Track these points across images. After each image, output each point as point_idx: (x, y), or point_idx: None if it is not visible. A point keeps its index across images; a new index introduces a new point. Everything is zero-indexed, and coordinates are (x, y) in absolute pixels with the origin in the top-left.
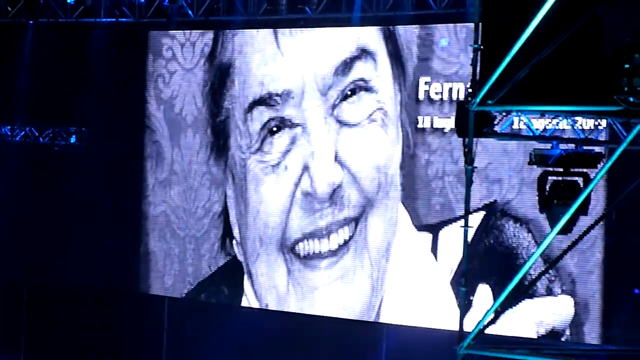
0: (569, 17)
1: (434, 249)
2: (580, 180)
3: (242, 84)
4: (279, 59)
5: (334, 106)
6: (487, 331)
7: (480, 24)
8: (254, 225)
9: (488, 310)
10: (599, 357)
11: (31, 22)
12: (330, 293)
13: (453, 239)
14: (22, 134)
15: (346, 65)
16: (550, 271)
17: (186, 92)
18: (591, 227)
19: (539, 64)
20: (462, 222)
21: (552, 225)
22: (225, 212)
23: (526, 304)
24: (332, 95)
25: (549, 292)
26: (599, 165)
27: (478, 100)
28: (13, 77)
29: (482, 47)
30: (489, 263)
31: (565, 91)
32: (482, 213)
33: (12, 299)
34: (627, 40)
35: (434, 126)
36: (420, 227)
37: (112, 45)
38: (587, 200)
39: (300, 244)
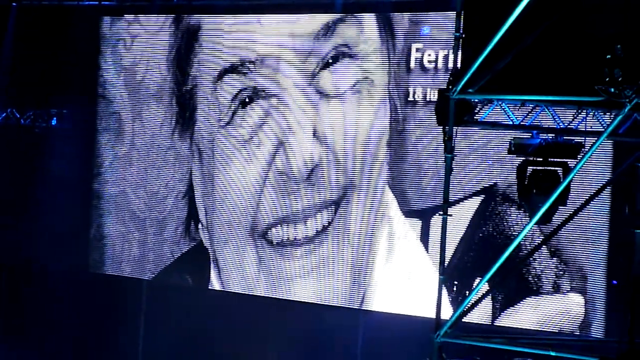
0: (551, 6)
1: (425, 238)
2: (560, 170)
3: (211, 49)
4: (253, 22)
5: (313, 75)
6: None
7: (462, 12)
8: (222, 208)
9: (465, 299)
10: (575, 347)
11: (14, 4)
12: (306, 285)
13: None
14: (4, 115)
15: (328, 29)
16: (559, 266)
17: (149, 58)
18: (584, 204)
19: (521, 53)
20: (458, 207)
21: (531, 215)
22: (190, 193)
23: (532, 301)
24: (312, 62)
25: (557, 289)
26: (579, 156)
27: (459, 88)
28: None
29: (463, 35)
30: (488, 253)
31: (546, 81)
32: (481, 197)
33: None
34: (610, 30)
35: (427, 99)
36: (410, 213)
37: (91, 29)
38: (567, 190)
39: (274, 229)
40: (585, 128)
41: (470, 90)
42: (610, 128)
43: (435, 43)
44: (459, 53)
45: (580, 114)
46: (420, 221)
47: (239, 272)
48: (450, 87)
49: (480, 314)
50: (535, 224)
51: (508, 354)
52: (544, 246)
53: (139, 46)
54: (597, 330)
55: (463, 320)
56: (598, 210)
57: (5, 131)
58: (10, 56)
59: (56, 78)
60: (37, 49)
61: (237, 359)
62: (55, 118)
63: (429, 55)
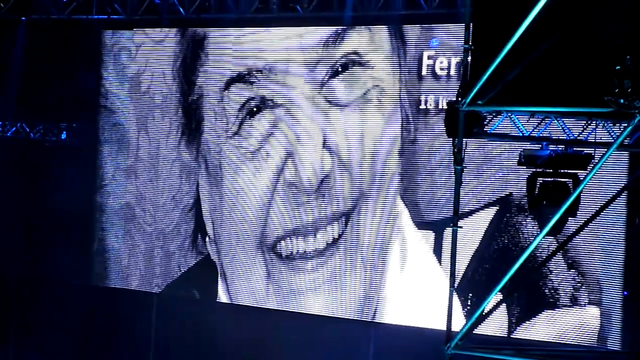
0: (560, 18)
1: (437, 249)
2: (570, 181)
3: (218, 58)
4: (260, 30)
5: (322, 83)
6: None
7: (471, 24)
8: (230, 220)
9: (477, 310)
10: (585, 358)
11: (23, 18)
12: (316, 299)
13: (460, 239)
14: (14, 129)
15: (337, 36)
16: (576, 278)
17: (154, 67)
18: (598, 212)
19: (530, 65)
20: (472, 218)
21: (541, 226)
22: (197, 205)
23: (549, 314)
24: (321, 70)
25: (574, 301)
26: (589, 167)
27: (468, 100)
28: (5, 73)
29: (472, 47)
30: (503, 265)
31: (555, 92)
32: (495, 208)
33: (2, 292)
34: (619, 41)
35: (439, 107)
36: (422, 224)
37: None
38: (577, 201)
39: (283, 242)
40: (595, 139)
41: (479, 102)
42: (620, 139)
43: (447, 50)
44: (468, 65)
45: (590, 125)
46: (433, 233)
47: (247, 285)
48: (459, 99)
49: (497, 327)
50: (546, 235)
51: None
52: (562, 259)
53: (144, 55)
54: (614, 342)
55: (479, 332)
56: (615, 220)
57: (15, 145)
58: (20, 70)
59: (65, 92)
60: (46, 63)
61: None
62: (65, 132)
63: (441, 62)
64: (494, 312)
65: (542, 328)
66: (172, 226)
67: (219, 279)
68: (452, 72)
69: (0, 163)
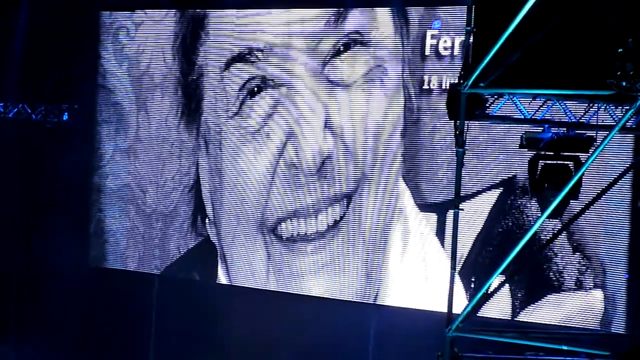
0: (562, 0)
1: (440, 232)
2: (571, 164)
3: (218, 37)
4: (261, 10)
5: (324, 63)
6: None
7: (474, 6)
8: (230, 202)
9: (478, 293)
10: (588, 341)
11: None
12: (317, 281)
13: (463, 221)
14: (15, 111)
15: (339, 16)
16: (581, 262)
17: (153, 47)
18: (599, 195)
19: (532, 47)
20: (475, 200)
21: (542, 209)
22: (197, 186)
23: (553, 297)
24: (322, 50)
25: (579, 285)
26: (590, 150)
27: (470, 82)
28: (6, 54)
29: (474, 29)
30: (507, 248)
31: (557, 75)
32: (499, 190)
33: (2, 275)
34: (621, 24)
35: (443, 87)
36: (424, 206)
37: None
38: (578, 184)
39: (283, 224)
40: (597, 122)
41: (481, 84)
42: (622, 122)
43: (451, 29)
44: (470, 47)
45: (592, 107)
46: (436, 215)
47: (247, 268)
48: (461, 81)
49: (500, 311)
50: (549, 218)
51: (522, 348)
52: (566, 242)
53: (143, 35)
54: (618, 325)
55: (482, 315)
56: (619, 203)
57: (16, 126)
58: (22, 51)
59: (67, 73)
60: (47, 44)
61: (248, 354)
62: (66, 113)
63: (445, 42)
64: (497, 294)
65: (546, 311)
66: (171, 207)
67: (218, 261)
68: (456, 52)
69: (2, 144)
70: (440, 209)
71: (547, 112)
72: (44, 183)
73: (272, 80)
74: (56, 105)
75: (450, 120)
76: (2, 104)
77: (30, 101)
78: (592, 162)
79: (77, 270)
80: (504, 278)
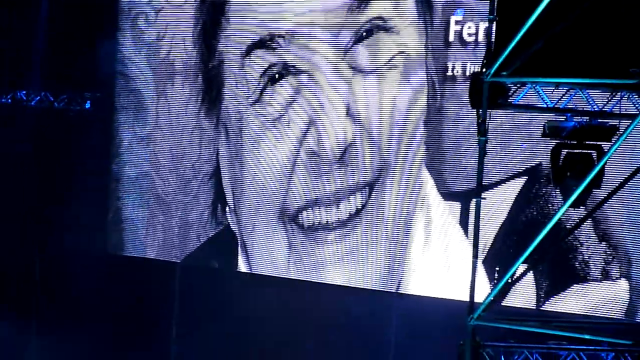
0: None
1: (464, 221)
2: (594, 153)
3: (239, 23)
4: None
5: (346, 49)
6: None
7: None
8: (250, 190)
9: (500, 282)
10: (611, 330)
11: None
12: (338, 270)
13: (487, 210)
14: (38, 98)
15: (361, 1)
16: (607, 251)
17: (173, 33)
18: (624, 182)
19: (555, 36)
20: (500, 188)
21: (565, 198)
22: (217, 174)
23: (579, 287)
24: (345, 36)
25: (605, 275)
26: (613, 139)
27: (492, 71)
28: (29, 42)
29: (497, 18)
30: (531, 237)
31: (580, 63)
32: (524, 179)
33: (24, 263)
34: None
35: (467, 74)
36: (448, 195)
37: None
38: (601, 173)
39: (305, 212)
40: (620, 111)
41: (504, 73)
42: None
43: (475, 15)
44: (493, 35)
45: (615, 96)
46: (460, 203)
47: (268, 257)
48: (484, 69)
49: (525, 300)
50: (573, 207)
51: (545, 338)
52: (592, 232)
53: (163, 20)
54: None
55: (506, 305)
56: None
57: (39, 114)
58: (44, 39)
59: (90, 61)
60: (69, 32)
61: (269, 342)
62: (89, 101)
63: (469, 27)
64: (522, 284)
65: (570, 301)
66: (191, 195)
67: (239, 250)
68: (481, 37)
69: (24, 132)
70: (463, 197)
71: (570, 100)
72: (61, 171)
73: (294, 67)
74: (79, 93)
75: (472, 108)
76: (24, 92)
77: (54, 89)
78: (614, 151)
79: (96, 258)
80: (527, 267)
